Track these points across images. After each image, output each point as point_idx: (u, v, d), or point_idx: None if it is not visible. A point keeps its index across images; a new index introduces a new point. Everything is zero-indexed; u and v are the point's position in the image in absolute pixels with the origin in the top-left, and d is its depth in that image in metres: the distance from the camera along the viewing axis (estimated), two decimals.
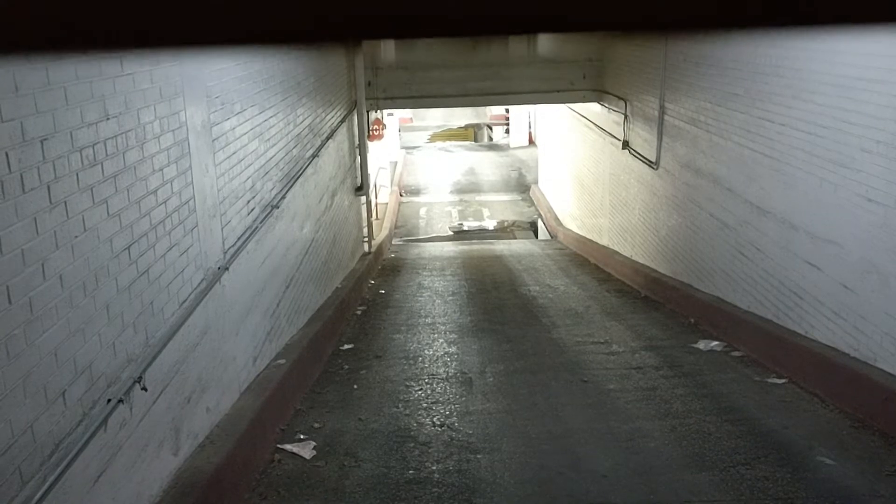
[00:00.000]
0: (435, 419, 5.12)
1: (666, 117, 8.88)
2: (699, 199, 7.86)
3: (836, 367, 5.10)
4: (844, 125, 5.05)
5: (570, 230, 15.34)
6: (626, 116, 10.62)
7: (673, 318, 7.79)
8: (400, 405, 5.43)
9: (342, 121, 9.45)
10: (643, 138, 9.83)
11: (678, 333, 7.19)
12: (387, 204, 17.96)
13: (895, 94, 4.51)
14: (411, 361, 6.55)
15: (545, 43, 12.02)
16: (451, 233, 18.51)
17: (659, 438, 4.71)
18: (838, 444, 4.51)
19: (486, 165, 26.75)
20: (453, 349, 6.94)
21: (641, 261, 10.07)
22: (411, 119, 29.82)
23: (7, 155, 2.40)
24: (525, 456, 4.51)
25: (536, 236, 18.00)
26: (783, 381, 5.54)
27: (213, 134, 4.39)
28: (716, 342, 6.61)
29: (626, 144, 10.59)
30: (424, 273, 11.61)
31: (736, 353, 6.31)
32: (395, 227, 17.85)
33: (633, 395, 5.50)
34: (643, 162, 9.74)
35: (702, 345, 6.62)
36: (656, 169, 9.26)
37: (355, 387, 5.85)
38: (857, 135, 4.90)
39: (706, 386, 5.62)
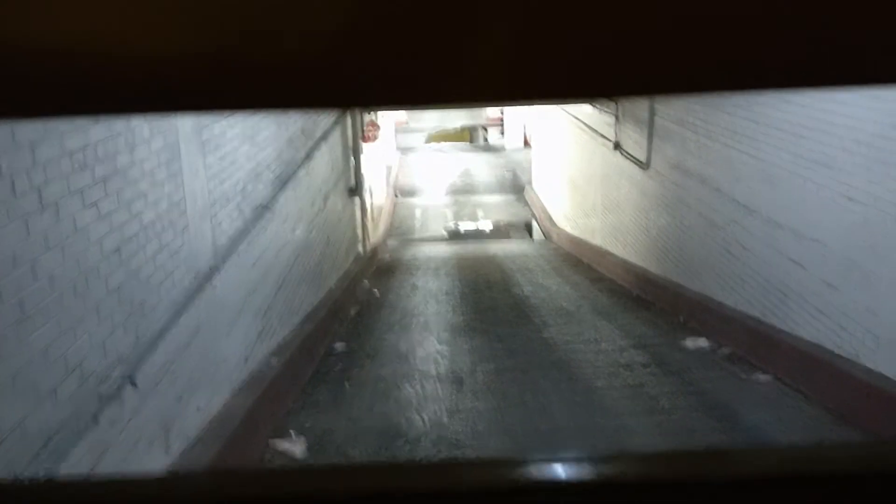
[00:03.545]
0: (425, 417, 5.19)
1: (656, 119, 8.96)
2: (688, 199, 7.94)
3: (821, 364, 5.17)
4: (827, 126, 5.13)
5: (564, 231, 15.42)
6: (617, 118, 10.69)
7: (662, 317, 7.87)
8: (391, 404, 5.50)
9: (335, 123, 9.52)
10: (634, 139, 9.90)
11: (667, 332, 7.26)
12: (382, 205, 18.03)
13: (874, 95, 4.59)
14: (403, 361, 6.61)
15: None
16: (446, 234, 18.58)
17: (644, 434, 4.78)
18: (821, 439, 4.59)
19: (481, 167, 26.82)
20: (445, 349, 7.00)
21: (633, 260, 10.15)
22: (407, 121, 29.88)
23: None
24: (512, 452, 4.58)
25: (531, 237, 18.08)
26: (768, 377, 5.61)
27: (204, 137, 4.46)
28: (703, 340, 6.69)
29: (617, 146, 10.67)
30: (419, 274, 11.67)
31: (723, 351, 6.39)
32: (391, 229, 17.91)
33: (620, 393, 5.57)
34: (634, 163, 9.82)
35: (689, 343, 6.69)
36: (647, 170, 9.34)
37: (347, 386, 5.91)
38: (839, 135, 4.98)
39: (693, 383, 5.69)
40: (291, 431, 4.84)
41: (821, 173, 5.22)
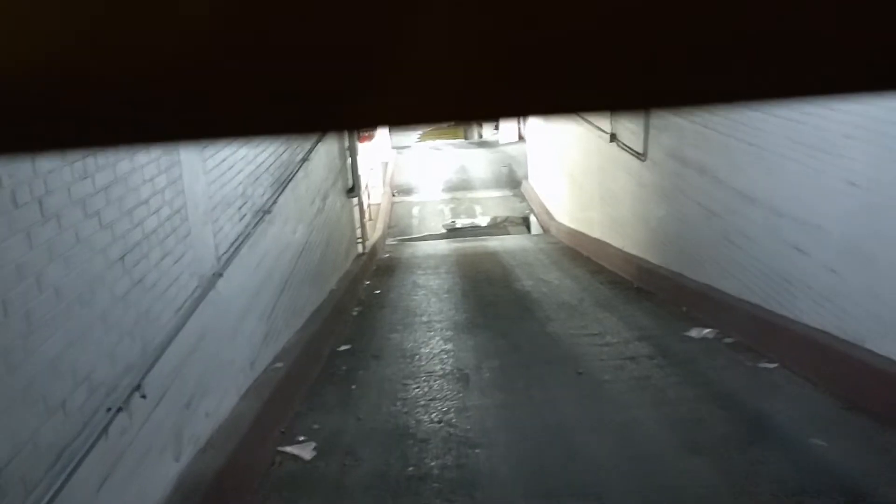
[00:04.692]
0: (433, 416, 5.18)
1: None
2: (687, 189, 7.93)
3: (826, 349, 5.17)
4: (825, 111, 5.11)
5: (562, 224, 15.40)
6: None
7: (665, 308, 7.86)
8: (398, 403, 5.49)
9: None
10: (630, 130, 9.89)
11: (670, 322, 7.25)
12: (379, 204, 18.00)
13: None
14: (408, 360, 6.60)
15: None
16: (445, 231, 18.55)
17: (653, 426, 4.78)
18: (830, 425, 4.58)
19: (477, 162, 26.79)
20: (449, 346, 6.99)
21: (632, 252, 10.13)
22: None
23: None
24: (522, 448, 4.58)
25: (529, 231, 18.06)
26: (775, 365, 5.61)
27: None
28: (708, 330, 6.68)
29: (613, 137, 10.65)
30: (419, 272, 11.65)
31: (728, 340, 6.38)
32: (389, 227, 17.88)
33: (628, 385, 5.57)
34: (631, 154, 9.81)
35: (694, 333, 6.69)
36: (644, 160, 9.32)
37: (353, 387, 5.90)
38: (838, 120, 4.96)
39: (699, 373, 5.69)
40: (301, 437, 4.83)
41: (820, 159, 5.21)
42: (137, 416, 3.27)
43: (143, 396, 3.27)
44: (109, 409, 3.00)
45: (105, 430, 2.93)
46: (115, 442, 3.06)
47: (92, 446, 2.80)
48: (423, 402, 5.46)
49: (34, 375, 2.56)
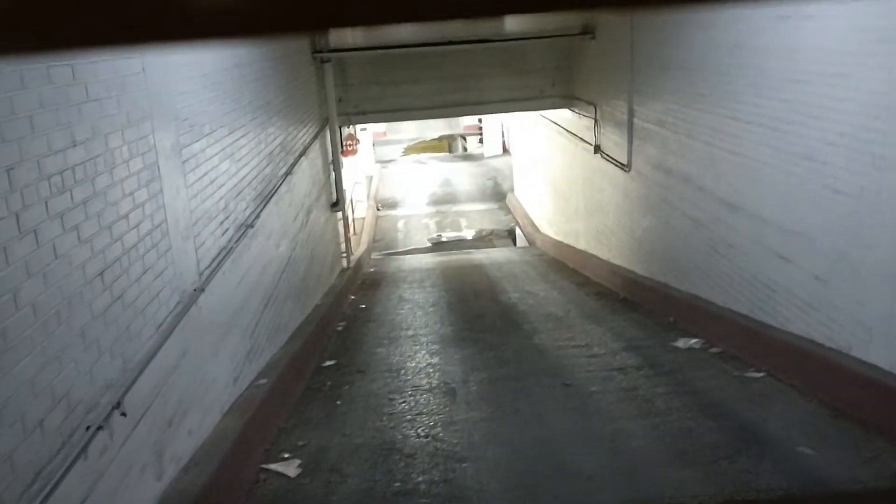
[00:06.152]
0: (419, 430, 5.12)
1: (635, 120, 8.98)
2: (671, 199, 7.95)
3: (813, 358, 5.17)
4: (808, 119, 5.14)
5: (548, 236, 15.43)
6: (596, 121, 10.72)
7: (652, 318, 7.86)
8: (384, 418, 5.43)
9: (314, 138, 9.46)
10: (614, 142, 9.93)
11: (657, 333, 7.25)
12: (364, 218, 17.96)
13: (854, 86, 4.61)
14: (394, 374, 6.55)
15: (513, 51, 12.12)
16: (430, 244, 18.54)
17: (642, 437, 4.75)
18: (817, 433, 4.57)
19: (462, 176, 26.84)
20: (436, 360, 6.94)
21: (618, 263, 10.15)
22: (385, 133, 29.87)
23: None
24: (510, 462, 4.53)
25: (515, 244, 18.08)
26: (761, 374, 5.60)
27: (184, 156, 4.39)
28: (694, 340, 6.68)
29: (597, 149, 10.69)
30: (404, 286, 11.61)
31: (714, 350, 6.38)
32: (374, 242, 17.84)
33: (615, 396, 5.54)
34: (615, 165, 9.84)
35: (681, 343, 6.68)
36: (628, 171, 9.35)
37: (339, 402, 5.83)
38: (821, 128, 4.99)
39: (686, 383, 5.67)
40: (285, 454, 4.76)
41: (804, 167, 5.23)
42: (118, 435, 3.20)
43: (124, 414, 3.21)
44: (89, 428, 2.93)
45: (84, 449, 2.86)
46: (95, 461, 2.99)
47: (70, 466, 2.73)
48: (409, 417, 5.40)
49: (11, 394, 2.49)
